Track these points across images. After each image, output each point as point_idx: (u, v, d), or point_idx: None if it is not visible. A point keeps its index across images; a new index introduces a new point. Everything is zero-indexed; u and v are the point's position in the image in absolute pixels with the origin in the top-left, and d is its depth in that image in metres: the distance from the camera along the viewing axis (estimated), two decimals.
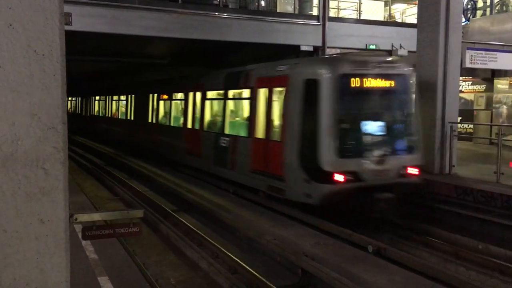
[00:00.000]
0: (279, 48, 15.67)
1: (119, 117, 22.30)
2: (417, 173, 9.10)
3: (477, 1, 21.42)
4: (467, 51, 15.12)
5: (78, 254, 5.58)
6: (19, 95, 2.15)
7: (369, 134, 8.99)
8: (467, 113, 19.03)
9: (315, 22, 15.73)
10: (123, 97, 21.64)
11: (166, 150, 16.01)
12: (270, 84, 10.24)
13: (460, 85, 18.56)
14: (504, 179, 9.67)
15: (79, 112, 31.04)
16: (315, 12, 16.78)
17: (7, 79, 2.13)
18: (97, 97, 26.52)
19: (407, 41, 15.98)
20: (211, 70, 15.62)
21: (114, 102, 23.01)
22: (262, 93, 10.49)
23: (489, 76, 17.85)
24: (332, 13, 16.75)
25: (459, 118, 12.82)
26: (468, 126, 18.89)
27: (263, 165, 10.05)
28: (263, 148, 10.13)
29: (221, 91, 12.74)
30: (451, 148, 11.12)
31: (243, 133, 11.34)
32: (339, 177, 8.28)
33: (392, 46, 16.56)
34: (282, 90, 9.77)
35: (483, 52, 15.87)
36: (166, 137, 16.06)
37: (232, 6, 16.21)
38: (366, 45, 16.37)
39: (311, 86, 8.78)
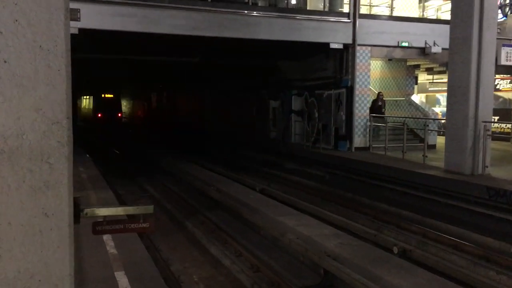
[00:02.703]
0: (309, 45, 15.56)
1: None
2: (120, 115, 44.40)
3: None
4: (502, 48, 14.62)
5: (98, 249, 5.67)
6: (25, 90, 2.15)
7: (105, 108, 42.07)
8: (505, 112, 18.40)
9: (345, 20, 15.51)
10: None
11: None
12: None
13: (498, 84, 17.99)
14: None
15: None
16: (345, 9, 16.55)
17: (13, 74, 2.13)
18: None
19: (442, 38, 15.53)
20: None
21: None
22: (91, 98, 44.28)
23: None
24: (363, 10, 16.48)
25: (496, 118, 12.40)
26: (505, 125, 18.25)
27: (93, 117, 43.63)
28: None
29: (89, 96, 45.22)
30: (485, 148, 10.75)
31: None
32: (99, 116, 41.62)
33: (426, 43, 16.16)
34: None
35: None
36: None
37: (262, 4, 16.16)
38: (398, 42, 16.03)
39: (95, 99, 43.45)
